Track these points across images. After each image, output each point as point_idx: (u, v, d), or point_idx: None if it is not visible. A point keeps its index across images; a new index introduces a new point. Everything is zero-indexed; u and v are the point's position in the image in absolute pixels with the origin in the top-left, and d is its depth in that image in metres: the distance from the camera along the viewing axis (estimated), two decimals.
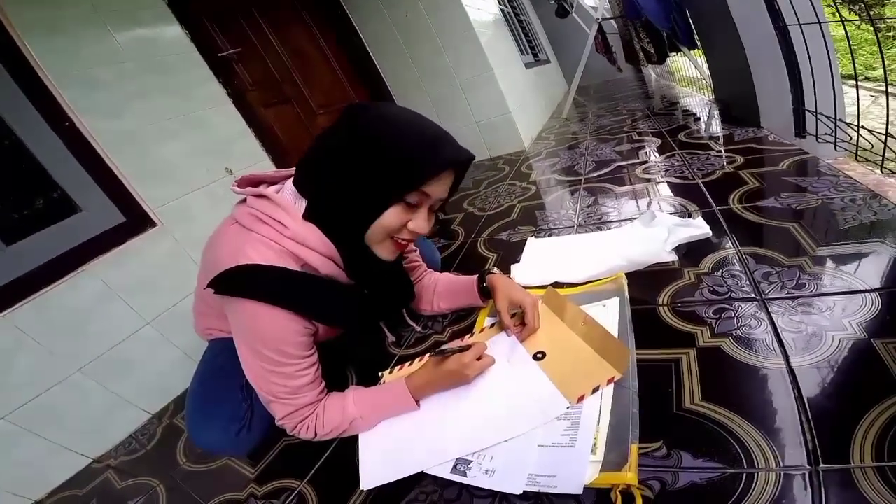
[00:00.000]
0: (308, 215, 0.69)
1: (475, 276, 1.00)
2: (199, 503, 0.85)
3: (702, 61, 2.37)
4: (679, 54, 2.73)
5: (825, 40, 1.26)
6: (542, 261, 1.20)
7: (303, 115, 2.11)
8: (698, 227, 1.04)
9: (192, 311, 0.95)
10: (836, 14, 1.25)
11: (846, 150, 1.25)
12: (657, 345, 0.78)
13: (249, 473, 0.86)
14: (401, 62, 2.46)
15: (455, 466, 0.68)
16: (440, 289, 1.06)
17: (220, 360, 0.87)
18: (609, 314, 0.88)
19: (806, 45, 1.29)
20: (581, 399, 0.70)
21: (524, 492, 0.61)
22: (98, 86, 1.23)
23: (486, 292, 0.96)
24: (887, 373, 0.60)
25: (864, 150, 1.16)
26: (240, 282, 0.65)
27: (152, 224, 1.27)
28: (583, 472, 0.60)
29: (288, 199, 0.71)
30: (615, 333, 0.82)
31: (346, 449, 0.80)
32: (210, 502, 0.83)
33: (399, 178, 0.65)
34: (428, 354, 0.92)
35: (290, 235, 0.68)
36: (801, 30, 1.27)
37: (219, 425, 0.81)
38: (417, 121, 0.67)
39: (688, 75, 2.88)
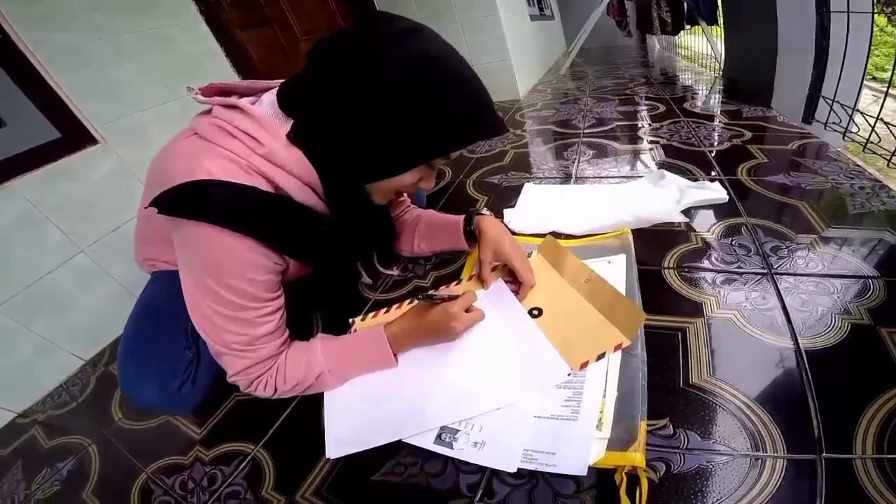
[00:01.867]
0: (294, 138, 0.57)
1: (461, 217, 0.88)
2: (136, 468, 0.73)
3: (715, 38, 2.32)
4: (693, 28, 2.66)
5: (871, 31, 1.24)
6: (539, 207, 1.11)
7: (283, 40, 1.92)
8: (715, 191, 1.00)
9: (134, 236, 0.81)
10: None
11: (853, 140, 1.26)
12: (662, 311, 0.73)
13: (195, 434, 0.75)
14: None
15: (439, 436, 0.60)
16: (422, 228, 0.94)
17: (162, 297, 0.73)
18: (614, 272, 0.80)
19: (848, 33, 1.23)
20: (584, 366, 0.63)
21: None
22: None
23: (474, 236, 0.85)
24: (892, 363, 0.58)
25: (872, 143, 1.17)
26: (194, 199, 0.51)
27: (93, 141, 1.11)
28: (587, 450, 0.53)
29: (266, 112, 0.58)
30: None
31: (310, 408, 0.70)
32: (150, 467, 0.72)
33: (438, 144, 0.56)
34: (407, 301, 0.85)
35: (263, 153, 0.55)
36: (848, 18, 1.22)
37: (156, 378, 0.68)
38: (463, 73, 0.55)
39: (695, 50, 2.81)
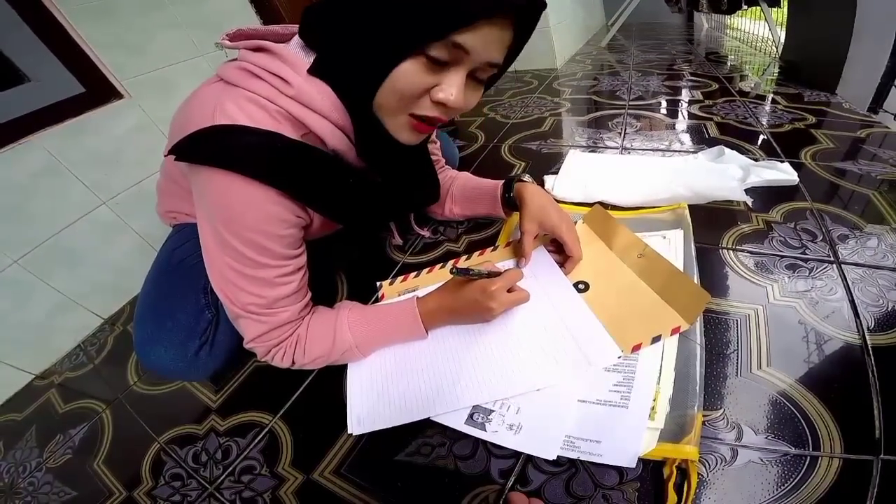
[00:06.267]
0: (315, 69, 0.51)
1: (500, 183, 0.81)
2: (149, 437, 0.70)
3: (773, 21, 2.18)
4: (750, 10, 2.48)
5: None
6: (585, 175, 1.03)
7: None
8: (785, 172, 0.93)
9: (156, 189, 0.77)
10: None
11: None
12: (719, 293, 0.68)
13: (210, 402, 0.72)
14: None
15: (471, 416, 0.55)
16: (456, 191, 0.88)
17: (183, 250, 0.69)
18: (671, 249, 0.74)
19: None
20: (636, 348, 0.57)
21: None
22: None
23: (513, 204, 0.78)
24: None
25: None
26: (212, 145, 0.46)
27: (118, 96, 1.09)
28: (638, 440, 0.48)
29: (295, 52, 0.52)
30: None
31: (332, 379, 0.66)
32: (163, 436, 0.69)
33: (416, 18, 0.43)
34: (439, 266, 0.79)
35: (292, 94, 0.50)
36: None
37: (173, 340, 0.64)
38: None
39: (747, 31, 2.65)
